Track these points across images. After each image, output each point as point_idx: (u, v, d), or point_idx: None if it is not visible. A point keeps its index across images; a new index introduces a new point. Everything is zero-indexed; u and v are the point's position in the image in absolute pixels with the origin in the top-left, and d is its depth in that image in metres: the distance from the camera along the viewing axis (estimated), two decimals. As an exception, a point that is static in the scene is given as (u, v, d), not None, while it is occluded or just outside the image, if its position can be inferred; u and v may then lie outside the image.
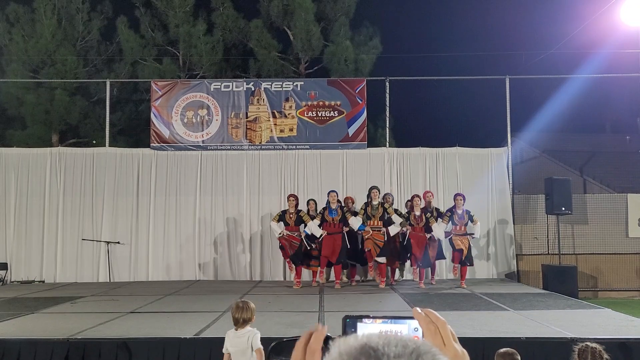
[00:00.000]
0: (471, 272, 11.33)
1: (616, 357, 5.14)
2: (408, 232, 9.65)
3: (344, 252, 9.69)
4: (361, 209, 9.74)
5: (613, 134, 19.81)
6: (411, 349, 0.72)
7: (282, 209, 10.09)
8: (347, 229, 9.71)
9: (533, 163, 17.32)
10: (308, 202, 10.22)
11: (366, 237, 9.53)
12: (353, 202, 10.37)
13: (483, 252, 11.51)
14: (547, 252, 11.46)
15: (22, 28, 14.70)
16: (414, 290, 9.38)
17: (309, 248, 9.76)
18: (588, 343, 3.69)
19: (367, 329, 0.89)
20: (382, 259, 9.64)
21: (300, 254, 9.80)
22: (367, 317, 0.90)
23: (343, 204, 10.13)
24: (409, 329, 0.90)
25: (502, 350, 3.86)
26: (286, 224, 9.80)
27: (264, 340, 4.37)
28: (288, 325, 6.31)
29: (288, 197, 10.02)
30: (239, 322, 4.24)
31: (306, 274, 10.49)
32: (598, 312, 7.49)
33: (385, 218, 9.66)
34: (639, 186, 12.31)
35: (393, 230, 9.62)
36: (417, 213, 9.71)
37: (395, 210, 9.87)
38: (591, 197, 12.13)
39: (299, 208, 9.97)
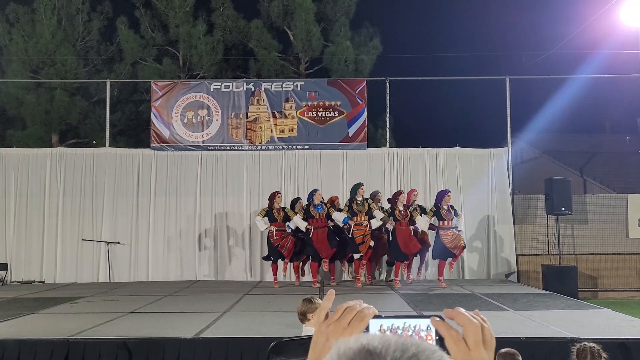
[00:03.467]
0: (471, 272, 11.35)
1: (616, 358, 5.14)
2: (393, 227, 9.73)
3: (334, 244, 9.75)
4: (345, 205, 9.84)
5: (613, 135, 19.81)
6: (411, 354, 0.70)
7: (269, 206, 10.09)
8: (332, 224, 9.81)
9: (533, 163, 17.34)
10: (298, 201, 10.31)
11: (358, 241, 9.57)
12: (337, 201, 10.41)
13: (483, 252, 11.50)
14: (547, 253, 11.46)
15: (22, 28, 14.70)
16: (413, 290, 9.38)
17: (305, 234, 9.86)
18: (586, 343, 3.70)
19: (390, 322, 0.88)
20: (358, 255, 9.73)
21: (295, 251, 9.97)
22: (379, 317, 0.89)
23: (327, 202, 10.24)
24: (424, 327, 0.88)
25: (503, 350, 3.85)
26: (273, 220, 9.86)
27: (263, 341, 4.37)
28: (287, 326, 6.30)
29: (276, 194, 10.07)
30: (299, 318, 4.27)
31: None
32: (598, 313, 7.49)
33: (370, 214, 9.74)
34: (639, 186, 12.31)
35: (374, 223, 9.68)
36: (401, 208, 9.77)
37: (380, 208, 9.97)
38: (591, 197, 12.12)
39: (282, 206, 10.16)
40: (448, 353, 0.83)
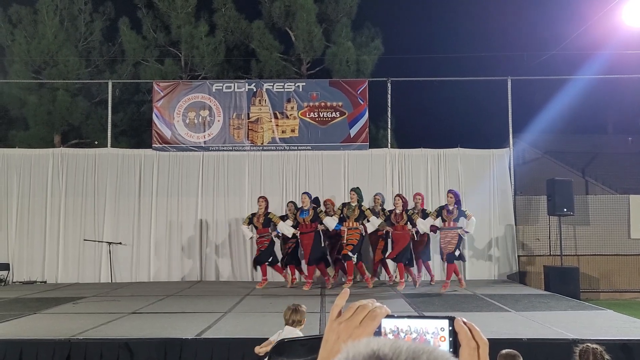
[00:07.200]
0: (473, 273, 11.33)
1: (618, 359, 5.13)
2: (390, 232, 9.79)
3: (318, 250, 9.74)
4: (338, 209, 9.87)
5: (615, 135, 19.80)
6: None
7: (252, 212, 10.21)
8: (322, 227, 9.81)
9: (535, 164, 17.31)
10: (288, 204, 10.30)
11: (344, 241, 9.61)
12: (333, 205, 10.27)
13: (485, 253, 11.49)
14: (549, 254, 11.45)
15: (25, 29, 14.71)
16: (415, 290, 9.37)
17: (290, 241, 9.90)
18: (589, 344, 3.69)
19: (394, 324, 0.87)
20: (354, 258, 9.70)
21: (288, 254, 9.97)
22: (392, 316, 0.88)
23: (322, 206, 10.23)
24: (431, 329, 0.88)
25: (504, 351, 3.85)
26: (254, 227, 9.95)
27: (264, 341, 4.37)
28: (289, 326, 6.30)
29: (258, 199, 10.14)
30: (288, 324, 4.42)
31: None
32: (600, 314, 7.48)
33: (363, 219, 9.72)
34: (641, 187, 12.30)
35: (369, 227, 9.71)
36: (398, 211, 9.79)
37: (372, 211, 9.95)
38: (593, 198, 12.11)
39: (269, 210, 10.11)
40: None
